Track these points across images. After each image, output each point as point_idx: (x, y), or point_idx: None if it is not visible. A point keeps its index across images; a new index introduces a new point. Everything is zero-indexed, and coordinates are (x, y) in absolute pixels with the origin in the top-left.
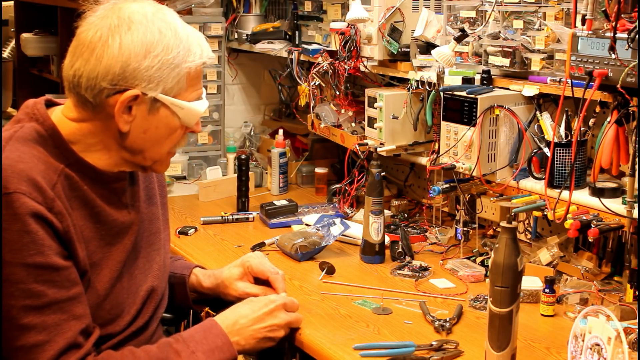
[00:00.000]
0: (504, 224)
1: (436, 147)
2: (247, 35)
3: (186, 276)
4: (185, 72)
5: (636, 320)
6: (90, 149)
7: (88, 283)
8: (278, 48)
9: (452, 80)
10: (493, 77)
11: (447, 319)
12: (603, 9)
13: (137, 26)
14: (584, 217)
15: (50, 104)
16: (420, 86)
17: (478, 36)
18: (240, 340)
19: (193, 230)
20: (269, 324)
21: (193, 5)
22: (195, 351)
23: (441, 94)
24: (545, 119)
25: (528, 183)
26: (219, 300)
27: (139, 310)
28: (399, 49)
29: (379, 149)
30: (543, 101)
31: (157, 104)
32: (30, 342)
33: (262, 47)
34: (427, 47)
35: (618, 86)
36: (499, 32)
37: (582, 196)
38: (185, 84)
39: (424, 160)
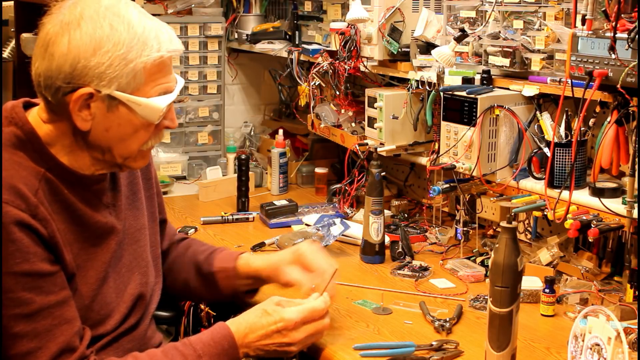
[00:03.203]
0: (504, 224)
1: (436, 147)
2: (247, 35)
3: (229, 268)
4: (141, 67)
5: (636, 320)
6: (65, 151)
7: (75, 286)
8: (278, 48)
9: (452, 80)
10: (493, 77)
11: (447, 319)
12: (603, 9)
13: (87, 22)
14: (584, 217)
15: (28, 105)
16: (420, 86)
17: (478, 36)
18: (249, 351)
19: (193, 230)
20: (277, 341)
21: (193, 5)
22: (202, 355)
23: (441, 94)
24: (545, 119)
25: (528, 183)
26: (221, 303)
27: (130, 308)
28: (399, 49)
29: (379, 149)
30: (543, 101)
31: (114, 101)
32: (23, 350)
33: (262, 47)
34: (427, 47)
35: (618, 86)
36: (499, 32)
37: (582, 196)
38: (144, 80)
39: (424, 160)
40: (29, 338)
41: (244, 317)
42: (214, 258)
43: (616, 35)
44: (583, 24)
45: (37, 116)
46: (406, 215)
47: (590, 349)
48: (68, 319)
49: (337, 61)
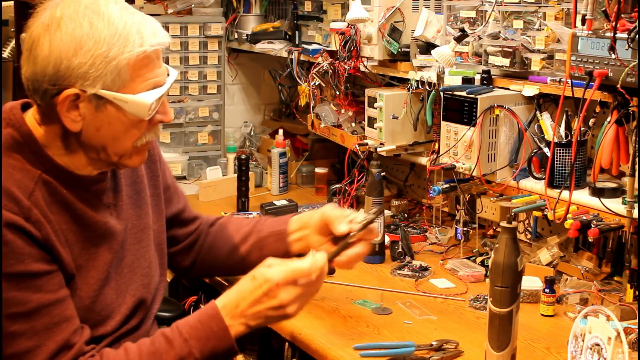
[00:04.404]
0: (504, 224)
1: (436, 147)
2: (247, 35)
3: (281, 230)
4: (124, 64)
5: (636, 320)
6: (61, 152)
7: (75, 286)
8: (278, 48)
9: (452, 80)
10: (493, 77)
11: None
12: (603, 9)
13: (67, 22)
14: (584, 217)
15: (28, 106)
16: (420, 86)
17: (478, 36)
18: (249, 321)
19: None
20: (269, 305)
21: (193, 5)
22: (189, 339)
23: (441, 94)
24: (545, 119)
25: (528, 183)
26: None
27: (131, 310)
28: (399, 49)
29: (379, 149)
30: (543, 101)
31: (102, 100)
32: (21, 349)
33: (262, 47)
34: (427, 47)
35: (618, 86)
36: (499, 32)
37: (582, 196)
38: (129, 76)
39: (424, 160)
40: (27, 336)
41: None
42: (262, 224)
43: (616, 35)
44: (583, 24)
45: (32, 117)
46: (406, 215)
47: (590, 349)
48: (67, 317)
49: (337, 61)
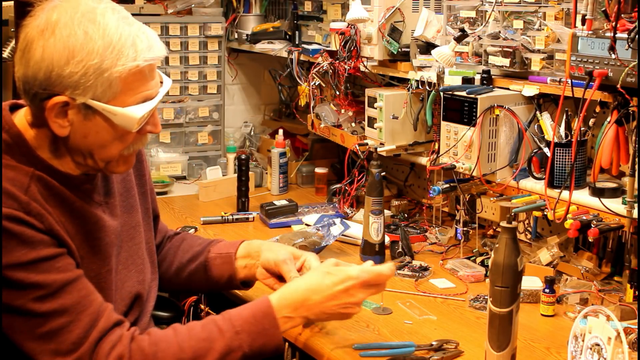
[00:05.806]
0: (504, 224)
1: (436, 147)
2: (247, 35)
3: (228, 254)
4: (116, 77)
5: (636, 320)
6: (50, 155)
7: None
8: (278, 48)
9: (452, 80)
10: (493, 77)
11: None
12: (603, 9)
13: (61, 29)
14: (584, 217)
15: (15, 107)
16: (420, 86)
17: (478, 36)
18: (310, 315)
19: (193, 230)
20: (343, 301)
21: (193, 5)
22: (241, 332)
23: (441, 94)
24: (545, 119)
25: (528, 183)
26: (219, 297)
27: (128, 306)
28: (399, 49)
29: (379, 149)
30: (543, 101)
31: (91, 109)
32: (54, 327)
33: (262, 47)
34: (427, 47)
35: (618, 86)
36: (499, 32)
37: (582, 196)
38: (120, 89)
39: (424, 160)
40: (59, 314)
41: (298, 281)
42: (213, 246)
43: (616, 35)
44: (583, 24)
45: (24, 119)
46: (406, 215)
47: (590, 349)
48: (91, 290)
49: (337, 61)
